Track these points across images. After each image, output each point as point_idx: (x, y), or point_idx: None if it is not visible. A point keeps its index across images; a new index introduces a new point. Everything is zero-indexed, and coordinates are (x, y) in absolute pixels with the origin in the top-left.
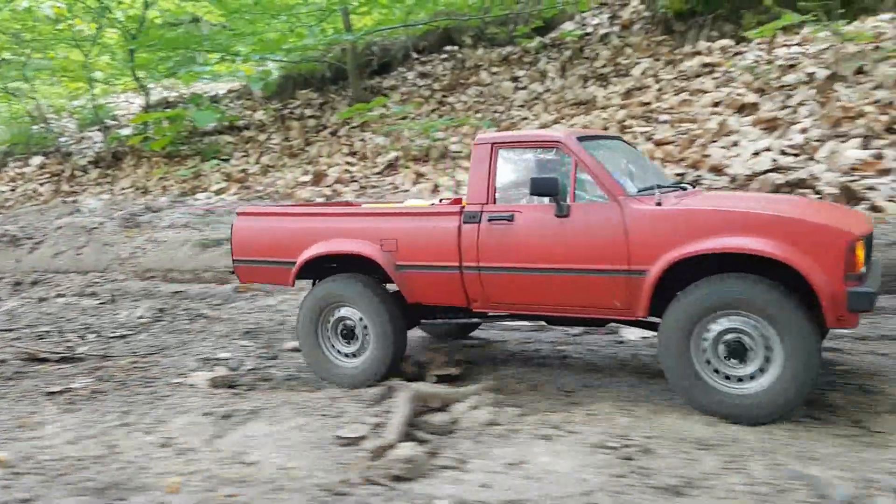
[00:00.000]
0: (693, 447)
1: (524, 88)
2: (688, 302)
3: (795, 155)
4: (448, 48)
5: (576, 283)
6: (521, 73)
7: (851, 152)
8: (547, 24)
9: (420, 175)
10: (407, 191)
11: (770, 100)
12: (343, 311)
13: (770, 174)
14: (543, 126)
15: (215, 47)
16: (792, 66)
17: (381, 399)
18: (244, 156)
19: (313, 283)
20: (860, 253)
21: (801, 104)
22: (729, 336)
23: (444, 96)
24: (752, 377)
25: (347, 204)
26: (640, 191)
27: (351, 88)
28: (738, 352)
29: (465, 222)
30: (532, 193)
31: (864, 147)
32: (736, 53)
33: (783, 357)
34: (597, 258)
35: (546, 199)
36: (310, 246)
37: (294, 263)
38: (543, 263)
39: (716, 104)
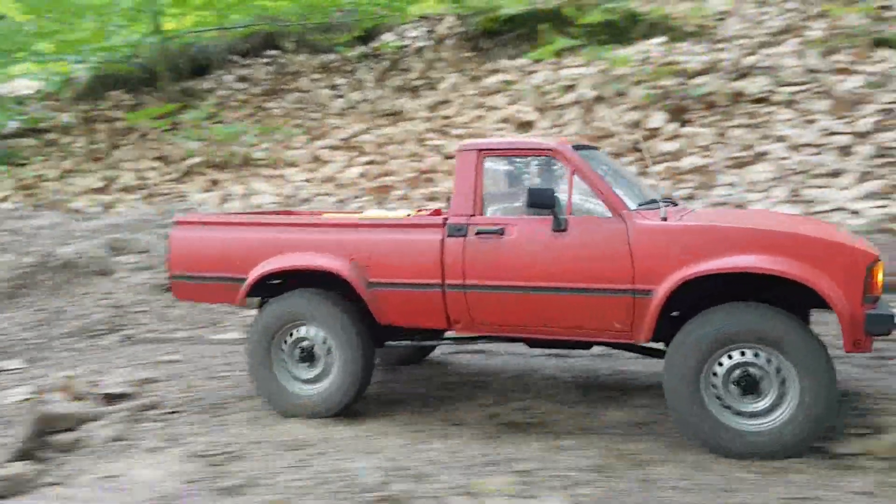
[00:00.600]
0: (283, 449)
1: (342, 97)
2: (699, 330)
3: None
4: (271, 52)
5: (573, 302)
6: (340, 81)
7: None
8: (369, 34)
9: (215, 182)
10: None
11: (546, 118)
12: (303, 331)
13: None
14: (354, 135)
15: (16, 45)
16: (571, 87)
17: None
18: (45, 160)
19: (261, 303)
20: (879, 274)
21: (568, 123)
22: (740, 370)
23: (263, 101)
24: (765, 412)
25: (310, 214)
26: (640, 205)
27: (164, 90)
28: (751, 386)
29: (449, 235)
30: (529, 206)
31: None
32: (530, 72)
33: (799, 390)
34: (597, 276)
35: (538, 212)
36: (265, 259)
37: (244, 280)
38: (538, 281)
39: (504, 120)
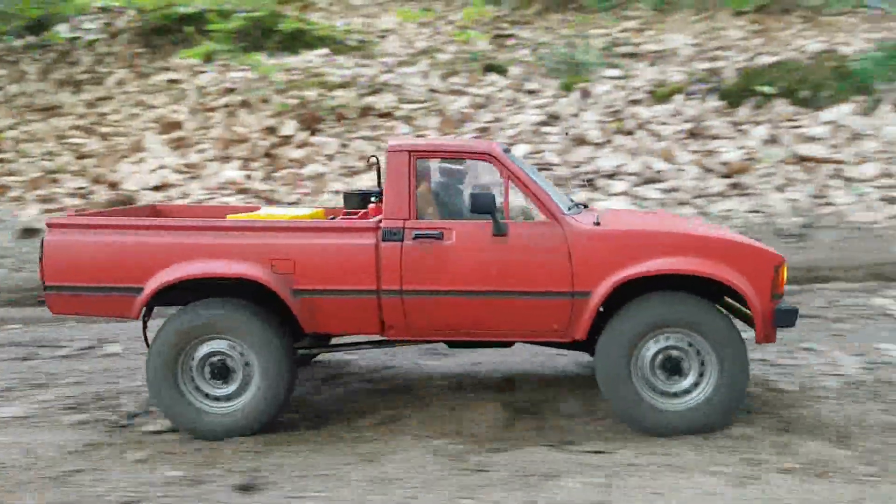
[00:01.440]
0: None
1: (1, 89)
2: (628, 323)
3: (185, 173)
4: None
5: (514, 306)
6: (2, 72)
7: (229, 173)
8: (40, 23)
9: None
10: None
11: (195, 120)
12: (214, 346)
13: (158, 190)
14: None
15: None
16: (231, 90)
17: None
18: None
19: (145, 314)
20: (784, 274)
21: (213, 126)
22: (662, 354)
23: None
24: (686, 391)
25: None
26: (568, 209)
27: None
28: (674, 368)
29: (384, 240)
30: (472, 210)
31: (242, 168)
32: (198, 73)
33: (718, 368)
34: (538, 281)
35: (476, 216)
36: (168, 266)
37: (139, 290)
38: (479, 286)
39: (156, 120)
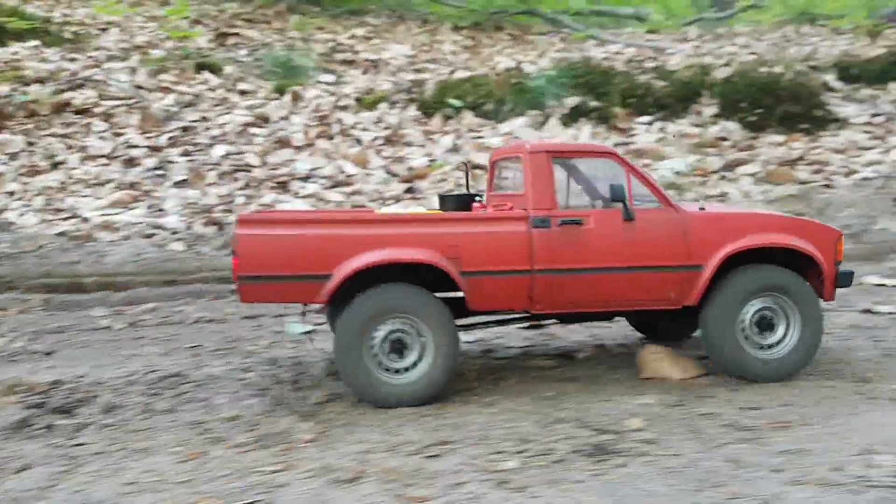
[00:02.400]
0: None
1: None
2: (736, 290)
3: None
4: None
5: (641, 279)
6: None
7: None
8: None
9: None
10: None
11: None
12: (392, 325)
13: None
14: None
15: None
16: None
17: None
18: None
19: (331, 302)
20: (841, 245)
21: None
22: (758, 314)
23: None
24: (777, 343)
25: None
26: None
27: None
28: (768, 325)
29: (533, 227)
30: (612, 200)
31: None
32: None
33: (801, 324)
34: (661, 257)
35: (607, 204)
36: (353, 256)
37: (327, 277)
38: (613, 263)
39: None
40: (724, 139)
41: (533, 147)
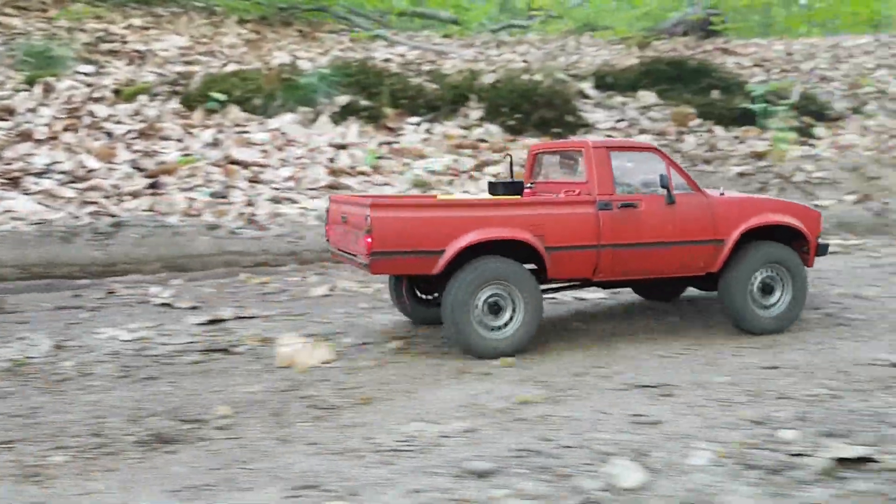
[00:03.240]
0: None
1: None
2: (750, 261)
3: None
4: None
5: (680, 251)
6: None
7: None
8: None
9: None
10: None
11: None
12: (491, 290)
13: None
14: None
15: None
16: None
17: None
18: None
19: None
20: (821, 223)
21: None
22: (762, 281)
23: None
24: (775, 304)
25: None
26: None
27: None
28: (770, 289)
29: (599, 209)
30: (661, 186)
31: None
32: None
33: (793, 288)
34: (696, 233)
35: (654, 189)
36: (464, 234)
37: (440, 252)
38: (660, 239)
39: None
40: (485, 141)
41: (595, 143)
